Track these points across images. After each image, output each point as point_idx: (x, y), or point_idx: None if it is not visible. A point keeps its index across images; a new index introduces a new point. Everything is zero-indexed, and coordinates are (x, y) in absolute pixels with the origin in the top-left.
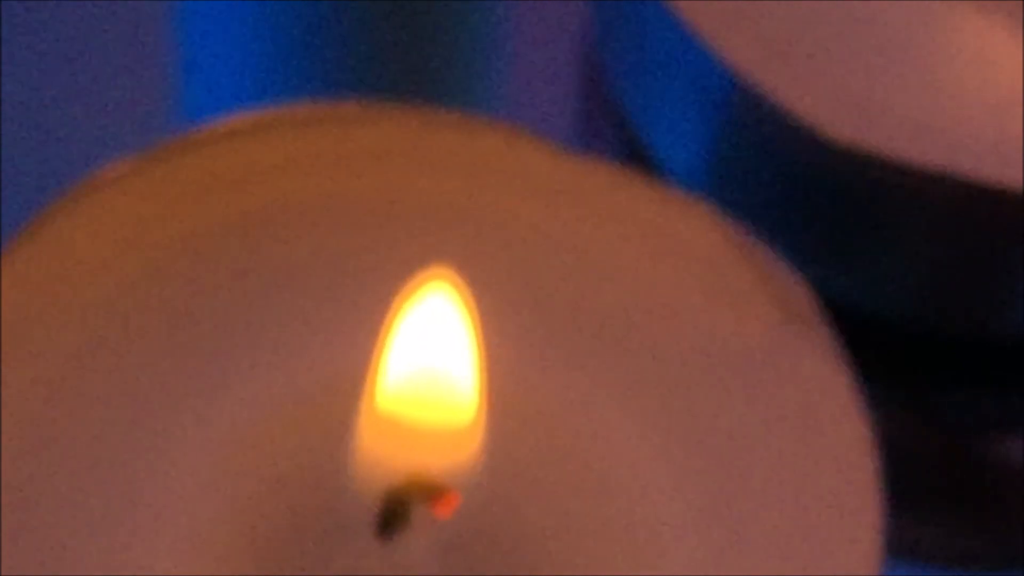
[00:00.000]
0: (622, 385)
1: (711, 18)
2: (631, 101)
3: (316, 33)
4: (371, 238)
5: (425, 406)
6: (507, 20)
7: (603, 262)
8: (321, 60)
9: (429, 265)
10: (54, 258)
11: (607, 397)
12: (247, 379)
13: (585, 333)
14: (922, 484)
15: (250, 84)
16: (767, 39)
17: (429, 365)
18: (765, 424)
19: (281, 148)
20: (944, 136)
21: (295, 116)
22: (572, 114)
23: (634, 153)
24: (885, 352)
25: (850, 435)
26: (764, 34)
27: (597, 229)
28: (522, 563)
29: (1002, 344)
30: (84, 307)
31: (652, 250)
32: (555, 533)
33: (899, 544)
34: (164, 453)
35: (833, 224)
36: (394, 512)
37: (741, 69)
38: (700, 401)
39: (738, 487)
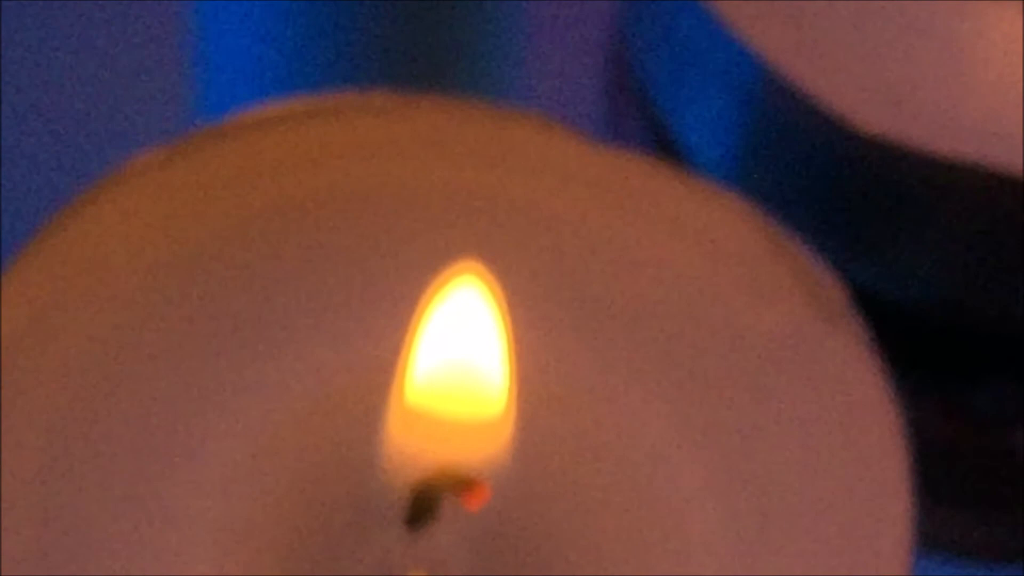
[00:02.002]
0: (652, 378)
1: (740, 7)
2: (658, 91)
3: (337, 26)
4: (400, 229)
5: (454, 399)
6: (533, 12)
7: (633, 254)
8: (343, 53)
9: (459, 257)
10: (82, 249)
11: (637, 390)
12: (276, 371)
13: (615, 326)
14: (952, 476)
15: (269, 77)
16: (796, 29)
17: (458, 358)
18: (796, 416)
19: (310, 139)
20: (973, 127)
21: (324, 106)
22: (599, 105)
23: (661, 144)
24: (913, 344)
25: (881, 427)
26: (793, 24)
27: (627, 221)
28: (551, 556)
29: None
30: (112, 298)
31: (683, 242)
32: (584, 525)
33: (929, 536)
34: (194, 445)
35: (862, 215)
36: (423, 504)
37: (770, 59)
38: (730, 394)
39: (769, 479)
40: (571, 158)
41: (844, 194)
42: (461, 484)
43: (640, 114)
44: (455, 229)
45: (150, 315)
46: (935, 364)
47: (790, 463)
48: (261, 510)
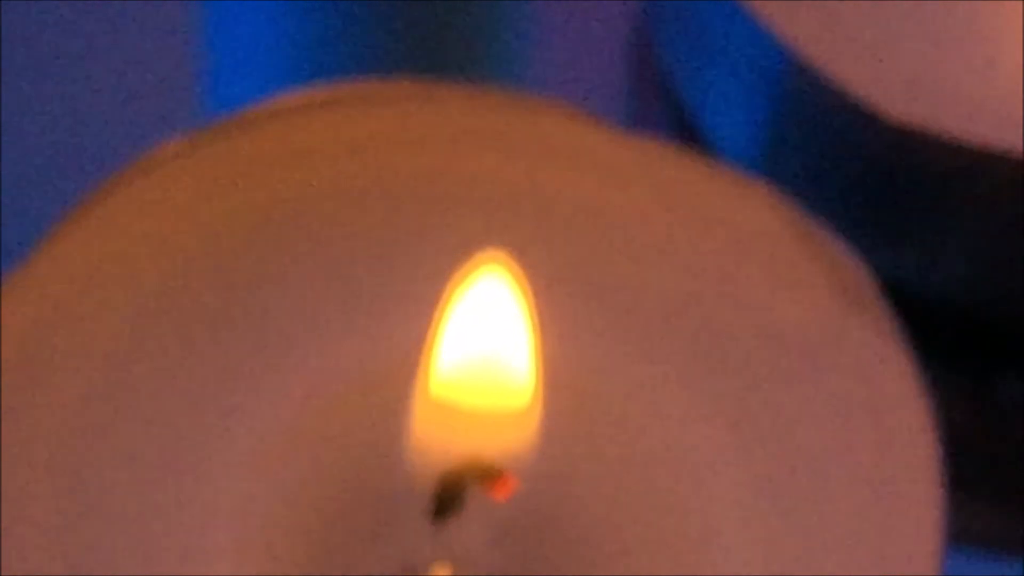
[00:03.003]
0: (680, 368)
1: None
2: (683, 80)
3: (354, 15)
4: (425, 219)
5: (480, 392)
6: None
7: (659, 243)
8: (358, 43)
9: (484, 247)
10: (104, 238)
11: (664, 380)
12: (301, 362)
13: (641, 315)
14: (975, 466)
15: (281, 69)
16: (822, 16)
17: (484, 349)
18: (825, 408)
19: (332, 128)
20: (1001, 115)
21: (347, 95)
22: (621, 94)
23: (684, 132)
24: (937, 333)
25: (911, 418)
26: (819, 11)
27: (654, 210)
28: (577, 549)
29: None
30: (134, 288)
31: (710, 231)
32: (610, 517)
33: (958, 529)
34: (217, 436)
35: (888, 204)
36: (449, 496)
37: (796, 46)
38: (759, 384)
39: (797, 469)
40: (596, 147)
41: (870, 182)
42: (488, 475)
43: (663, 103)
44: (480, 219)
45: (173, 306)
46: (959, 353)
47: (818, 453)
48: (285, 502)
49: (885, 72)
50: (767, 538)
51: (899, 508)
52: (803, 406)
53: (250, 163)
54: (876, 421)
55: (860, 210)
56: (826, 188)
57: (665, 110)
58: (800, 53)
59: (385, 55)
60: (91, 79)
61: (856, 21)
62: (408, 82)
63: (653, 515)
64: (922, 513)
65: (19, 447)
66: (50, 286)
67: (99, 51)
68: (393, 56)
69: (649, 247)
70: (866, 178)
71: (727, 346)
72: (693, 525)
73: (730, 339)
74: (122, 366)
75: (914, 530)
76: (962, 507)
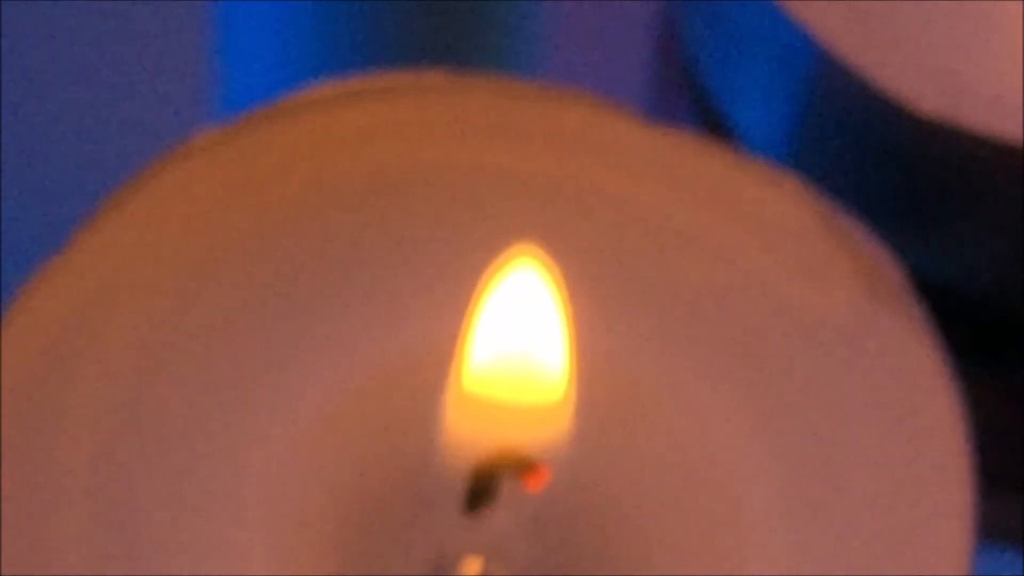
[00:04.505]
0: (711, 361)
1: None
2: (710, 72)
3: (375, 10)
4: (459, 210)
5: (513, 388)
6: None
7: (690, 237)
8: (377, 34)
9: (515, 239)
10: (136, 230)
11: (696, 373)
12: (335, 353)
13: (673, 308)
14: (1005, 461)
15: (295, 66)
16: (852, 9)
17: (517, 343)
18: (855, 402)
19: (366, 118)
20: None
21: (378, 86)
22: (646, 86)
23: (710, 125)
24: (967, 326)
25: (941, 412)
26: (848, 4)
27: (684, 203)
28: (609, 541)
29: None
30: (167, 279)
31: (739, 224)
32: (643, 510)
33: (988, 524)
34: (251, 427)
35: (917, 197)
36: (482, 487)
37: (825, 39)
38: (789, 378)
39: (827, 464)
40: (628, 139)
41: (898, 176)
42: (522, 466)
43: (689, 96)
44: (510, 210)
45: (208, 297)
46: (988, 346)
47: (848, 446)
48: (318, 492)
49: (913, 65)
50: (796, 534)
51: (930, 504)
52: (832, 399)
53: (281, 153)
54: (906, 415)
55: (887, 203)
56: (853, 181)
57: (691, 103)
58: (828, 46)
59: (407, 48)
60: (103, 78)
61: (885, 14)
62: (440, 74)
63: (683, 508)
64: (953, 509)
65: (51, 440)
66: (83, 277)
67: (111, 49)
68: (416, 48)
69: (680, 240)
70: (894, 171)
71: (757, 339)
72: (723, 518)
73: (760, 332)
74: (156, 358)
75: (945, 526)
76: (991, 502)
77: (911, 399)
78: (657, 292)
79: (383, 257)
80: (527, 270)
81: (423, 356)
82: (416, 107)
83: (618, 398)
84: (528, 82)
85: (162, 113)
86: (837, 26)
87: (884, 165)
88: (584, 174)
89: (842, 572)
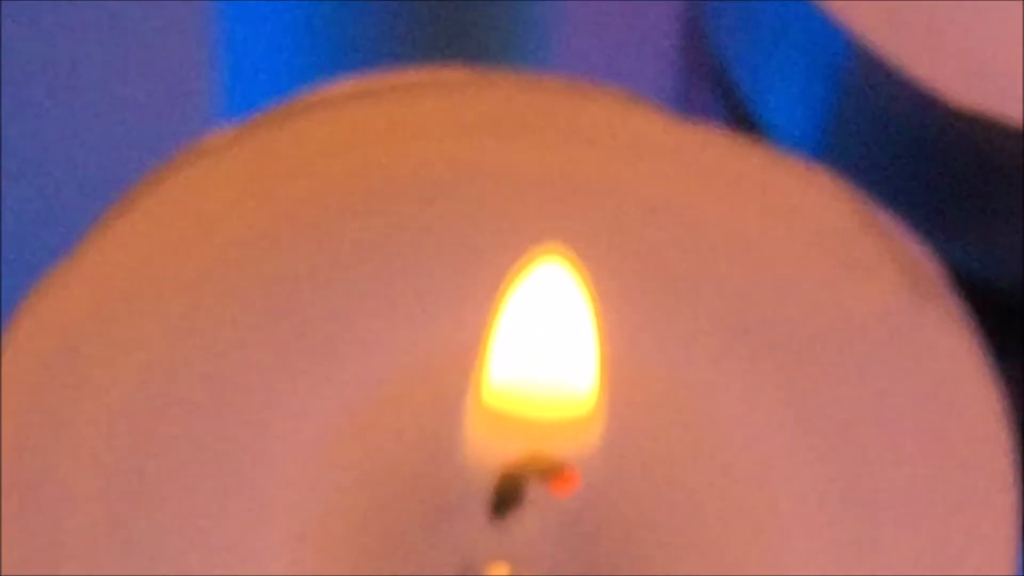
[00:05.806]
0: (746, 360)
1: None
2: (738, 66)
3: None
4: (482, 210)
5: (541, 400)
6: None
7: (722, 234)
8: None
9: (542, 238)
10: (152, 230)
11: (731, 374)
12: (359, 354)
13: (705, 307)
14: None
15: (306, 61)
16: (883, 1)
17: (545, 352)
18: (894, 398)
19: (384, 118)
20: None
21: (398, 83)
22: (675, 81)
23: (740, 120)
24: (1011, 324)
25: (982, 409)
26: None
27: (715, 199)
28: (639, 547)
29: None
30: (184, 279)
31: (773, 220)
32: (675, 514)
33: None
34: (274, 430)
35: (954, 192)
36: (508, 491)
37: (858, 32)
38: (826, 377)
39: (867, 463)
40: (656, 134)
41: (933, 170)
42: (550, 471)
43: (716, 90)
44: (537, 208)
45: (226, 297)
46: None
47: (888, 446)
48: (342, 496)
49: (946, 57)
50: (835, 536)
51: (973, 504)
52: (872, 398)
53: (301, 151)
54: (946, 412)
55: (922, 197)
56: (885, 176)
57: (719, 98)
58: (862, 39)
59: (423, 45)
60: (105, 79)
61: (917, 5)
62: (463, 70)
63: (717, 513)
64: (997, 508)
65: (69, 440)
66: (95, 278)
67: (113, 50)
68: (432, 46)
69: (713, 238)
70: (927, 165)
71: (794, 339)
72: (759, 522)
73: (797, 332)
74: (169, 360)
75: (989, 526)
76: None
77: (951, 396)
78: (690, 291)
79: (407, 256)
80: (555, 270)
81: (450, 358)
82: (438, 104)
83: (649, 401)
84: (557, 77)
85: (165, 113)
86: (869, 18)
87: (917, 159)
88: (613, 170)
89: (884, 571)
